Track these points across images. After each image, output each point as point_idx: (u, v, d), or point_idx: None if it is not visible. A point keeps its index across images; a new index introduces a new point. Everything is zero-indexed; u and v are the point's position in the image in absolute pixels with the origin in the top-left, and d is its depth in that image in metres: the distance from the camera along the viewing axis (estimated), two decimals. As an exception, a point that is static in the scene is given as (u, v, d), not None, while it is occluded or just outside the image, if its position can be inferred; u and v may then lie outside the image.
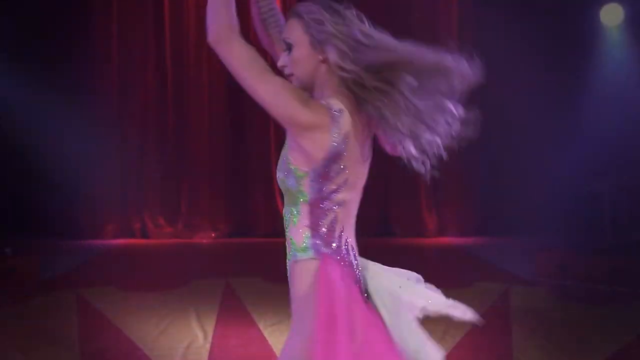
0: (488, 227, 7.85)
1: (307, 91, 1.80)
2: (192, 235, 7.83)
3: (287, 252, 1.86)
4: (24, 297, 5.15)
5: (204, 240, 7.82)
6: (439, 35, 7.94)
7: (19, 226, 7.58)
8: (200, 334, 4.25)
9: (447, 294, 5.70)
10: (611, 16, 7.30)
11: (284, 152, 1.85)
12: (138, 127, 7.90)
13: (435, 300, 1.96)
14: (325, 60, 1.78)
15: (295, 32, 1.80)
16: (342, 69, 1.75)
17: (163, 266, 6.68)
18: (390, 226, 8.07)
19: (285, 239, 1.87)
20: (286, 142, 1.84)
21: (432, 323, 4.74)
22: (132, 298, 5.15)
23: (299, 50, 1.80)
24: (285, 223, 1.86)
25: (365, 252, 6.98)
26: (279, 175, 1.84)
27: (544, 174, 7.65)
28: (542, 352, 3.97)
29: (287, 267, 1.87)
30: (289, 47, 1.81)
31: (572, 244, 6.23)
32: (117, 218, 7.90)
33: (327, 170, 1.76)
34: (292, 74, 1.81)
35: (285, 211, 1.87)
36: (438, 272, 6.13)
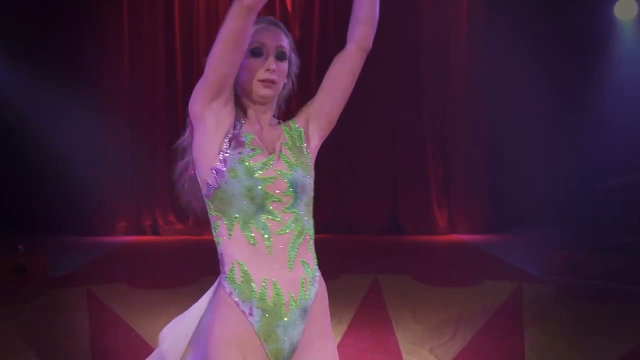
0: (498, 224, 7.81)
1: (267, 103, 1.83)
2: (203, 232, 7.84)
3: (312, 266, 1.77)
4: (36, 294, 5.18)
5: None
6: (448, 33, 7.90)
7: (30, 224, 7.64)
8: (210, 331, 4.24)
9: (458, 292, 5.70)
10: (625, 11, 7.23)
11: (302, 158, 1.80)
12: (149, 124, 7.93)
13: None
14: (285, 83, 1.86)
15: (287, 46, 1.83)
16: (282, 101, 1.89)
17: (173, 263, 6.70)
18: (400, 224, 8.04)
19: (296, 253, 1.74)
20: (304, 147, 1.83)
21: (442, 322, 4.72)
22: (142, 295, 5.17)
23: (286, 64, 1.83)
24: (309, 237, 1.76)
25: (376, 249, 6.96)
26: (309, 181, 1.78)
27: (555, 171, 7.61)
28: (553, 351, 3.94)
29: (311, 282, 1.77)
30: (283, 57, 1.81)
31: (584, 241, 6.18)
32: (128, 215, 7.94)
33: None
34: (275, 82, 1.78)
35: (307, 223, 1.76)
36: (449, 270, 6.16)
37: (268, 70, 1.75)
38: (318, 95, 1.89)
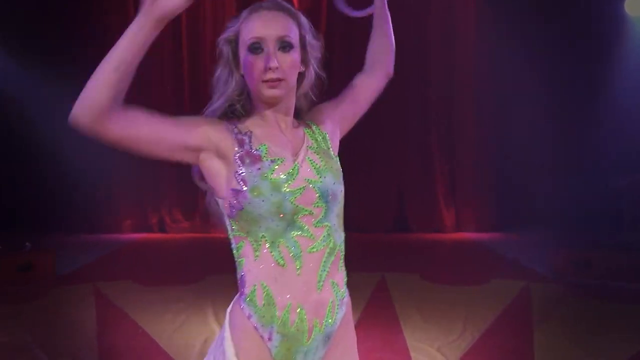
0: (505, 223, 7.77)
1: (280, 103, 1.60)
2: (209, 230, 7.85)
3: (341, 287, 1.62)
4: (42, 291, 5.19)
5: (221, 235, 7.81)
6: (457, 30, 7.86)
7: (37, 222, 7.65)
8: (217, 329, 4.24)
9: (466, 291, 5.67)
10: (636, 7, 7.16)
11: (331, 162, 1.63)
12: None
13: None
14: (299, 75, 1.63)
15: (294, 32, 1.59)
16: (305, 93, 1.67)
17: (180, 261, 6.70)
18: (406, 222, 8.02)
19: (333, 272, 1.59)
20: (330, 151, 1.68)
21: (450, 320, 4.71)
22: (149, 292, 5.17)
23: (297, 53, 1.59)
24: (340, 254, 1.61)
25: (382, 247, 6.94)
26: (340, 188, 1.62)
27: (562, 170, 7.55)
28: (562, 350, 3.91)
29: (339, 306, 1.61)
30: (289, 47, 1.56)
31: (592, 240, 6.14)
32: (135, 213, 7.95)
33: None
34: (283, 79, 1.55)
35: (338, 238, 1.60)
36: (456, 268, 6.13)
37: (270, 69, 1.53)
38: (341, 104, 1.79)
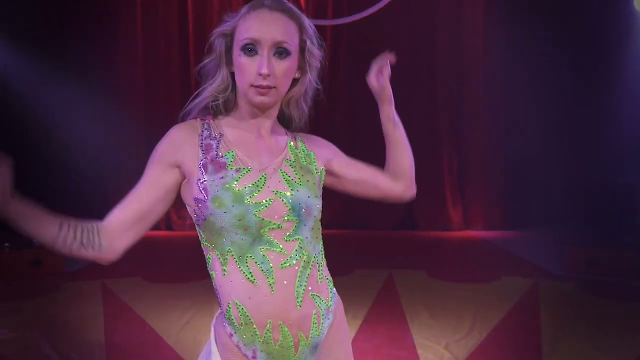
0: (514, 220, 7.73)
1: (269, 109, 1.52)
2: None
3: (325, 296, 1.52)
4: (50, 287, 5.21)
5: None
6: (465, 29, 7.82)
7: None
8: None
9: (474, 288, 5.64)
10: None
11: (308, 176, 1.51)
12: (162, 117, 7.93)
13: None
14: (293, 81, 1.53)
15: (293, 38, 1.48)
16: (297, 101, 1.57)
17: (187, 258, 6.68)
18: (414, 219, 7.99)
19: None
20: (312, 167, 1.56)
21: (458, 318, 4.68)
22: (156, 289, 5.19)
23: (293, 61, 1.49)
24: (317, 265, 1.51)
25: (390, 245, 6.92)
26: (316, 202, 1.49)
27: (572, 166, 7.51)
28: (570, 348, 3.89)
29: (324, 315, 1.52)
30: (285, 54, 1.46)
31: (602, 238, 6.10)
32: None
33: None
34: (273, 87, 1.45)
35: (313, 250, 1.49)
36: (463, 266, 6.11)
37: (261, 74, 1.43)
38: (340, 160, 1.66)
